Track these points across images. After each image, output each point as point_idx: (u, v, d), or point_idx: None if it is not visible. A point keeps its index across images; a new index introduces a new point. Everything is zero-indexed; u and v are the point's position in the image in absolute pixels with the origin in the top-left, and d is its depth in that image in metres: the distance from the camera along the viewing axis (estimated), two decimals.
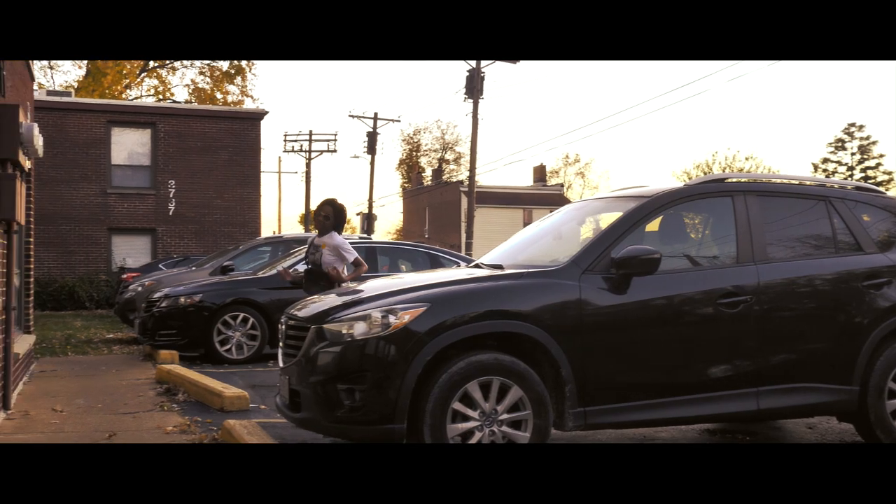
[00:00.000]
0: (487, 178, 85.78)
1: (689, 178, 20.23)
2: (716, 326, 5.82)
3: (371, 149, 45.35)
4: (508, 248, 6.92)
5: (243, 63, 42.28)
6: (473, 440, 5.23)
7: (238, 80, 42.94)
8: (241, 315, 12.03)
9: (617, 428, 5.88)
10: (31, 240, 11.39)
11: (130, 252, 26.50)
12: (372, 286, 6.16)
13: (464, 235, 35.37)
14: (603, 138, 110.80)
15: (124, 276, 20.51)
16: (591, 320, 5.51)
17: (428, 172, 70.30)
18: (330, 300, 5.96)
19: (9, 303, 7.86)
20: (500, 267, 6.11)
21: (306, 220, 51.16)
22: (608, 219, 6.21)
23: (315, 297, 6.53)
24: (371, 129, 45.55)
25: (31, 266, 11.31)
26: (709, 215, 6.46)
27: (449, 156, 76.83)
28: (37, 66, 40.91)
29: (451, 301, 5.43)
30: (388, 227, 78.72)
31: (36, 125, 8.21)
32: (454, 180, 61.70)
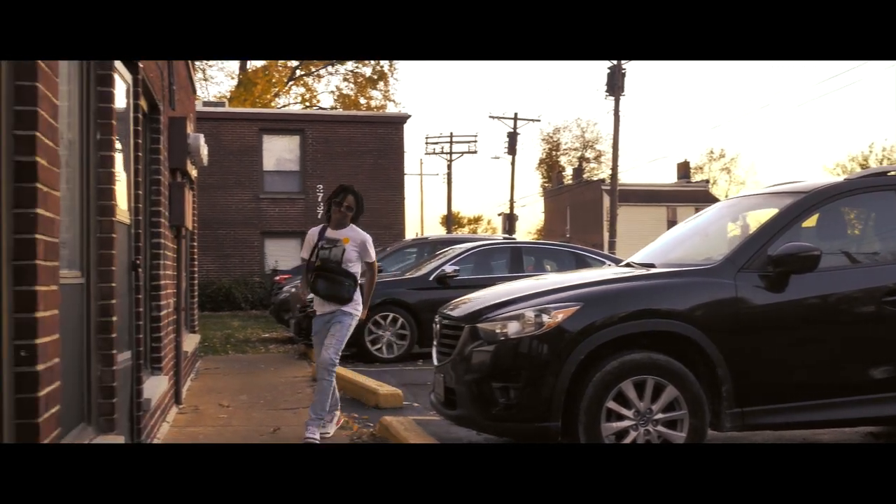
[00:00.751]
0: (629, 175, 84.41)
1: (846, 172, 19.41)
2: (879, 325, 5.62)
3: (511, 149, 45.46)
4: (659, 246, 6.87)
5: (385, 68, 43.15)
6: (628, 439, 5.24)
7: (380, 84, 43.82)
8: (391, 315, 12.33)
9: (775, 429, 5.76)
10: (196, 244, 12.03)
11: (282, 254, 27.43)
12: (523, 286, 6.24)
13: (606, 234, 35.00)
14: (749, 132, 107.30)
15: (277, 277, 21.31)
16: (747, 319, 5.42)
17: (568, 171, 69.84)
18: (482, 300, 6.08)
19: (179, 304, 8.34)
20: (651, 265, 6.08)
21: (448, 221, 51.80)
22: (761, 216, 6.08)
23: (468, 296, 6.65)
24: (511, 130, 45.66)
25: (196, 269, 11.95)
26: (870, 210, 6.24)
27: (589, 154, 76.05)
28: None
29: (604, 300, 5.45)
30: (529, 227, 78.63)
31: (202, 135, 8.69)
32: (595, 179, 61.09)
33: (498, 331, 5.50)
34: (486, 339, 5.54)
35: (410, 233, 49.66)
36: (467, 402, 5.59)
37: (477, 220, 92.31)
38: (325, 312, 6.71)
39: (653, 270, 5.86)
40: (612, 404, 5.23)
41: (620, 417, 5.25)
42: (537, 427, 5.28)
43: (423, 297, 12.32)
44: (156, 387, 6.27)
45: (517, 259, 13.24)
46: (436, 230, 78.01)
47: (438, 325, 6.25)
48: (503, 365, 5.42)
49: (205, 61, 43.19)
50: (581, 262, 13.12)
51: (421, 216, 60.01)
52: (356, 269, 6.71)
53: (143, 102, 6.51)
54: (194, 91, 12.00)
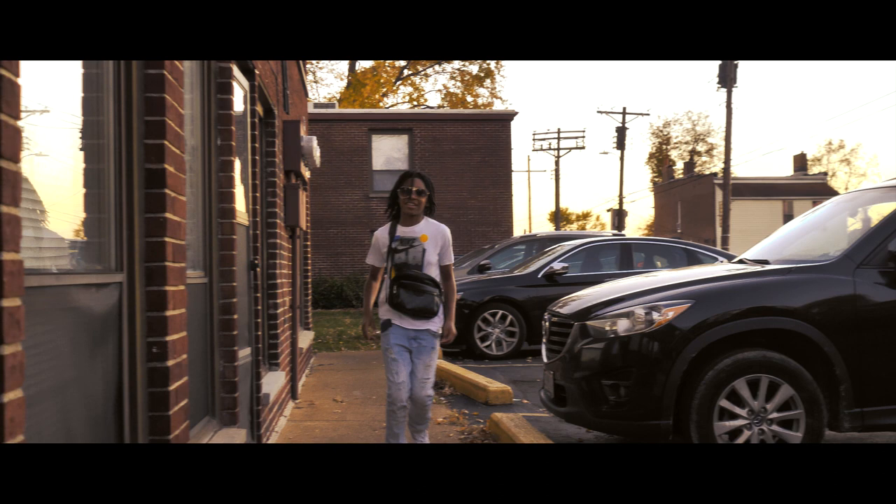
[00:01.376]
0: (743, 169, 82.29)
1: None
2: None
3: (620, 144, 44.91)
4: (773, 242, 6.72)
5: (492, 66, 43.23)
6: (741, 439, 5.17)
7: (487, 82, 43.92)
8: (500, 312, 12.39)
9: None
10: (309, 244, 12.34)
11: None
12: (633, 283, 6.21)
13: (719, 230, 34.20)
14: (870, 122, 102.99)
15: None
16: (867, 317, 5.27)
17: (679, 165, 68.53)
18: (592, 297, 6.07)
19: (294, 301, 8.60)
20: (765, 262, 5.97)
21: (556, 217, 51.52)
22: (884, 209, 5.89)
23: (577, 294, 6.65)
24: (620, 125, 45.12)
25: (310, 267, 12.26)
26: None
27: (700, 147, 74.48)
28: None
29: (716, 297, 5.38)
30: (638, 222, 77.54)
31: (314, 138, 8.92)
32: (707, 173, 59.76)
33: (608, 328, 5.49)
34: (596, 337, 5.54)
35: (518, 230, 49.60)
36: (577, 399, 5.60)
37: (586, 216, 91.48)
38: (410, 328, 5.30)
39: (767, 267, 5.75)
40: (724, 403, 5.16)
41: (733, 416, 5.17)
42: (648, 425, 5.26)
43: (532, 295, 12.34)
44: (274, 382, 6.49)
45: (627, 256, 13.12)
46: (544, 227, 77.72)
47: (548, 323, 6.27)
48: (613, 362, 5.42)
49: (315, 64, 44.12)
50: (692, 259, 12.91)
51: (529, 213, 59.74)
52: (437, 273, 5.37)
53: (258, 107, 6.75)
54: (306, 94, 12.31)
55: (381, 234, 5.46)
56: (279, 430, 6.85)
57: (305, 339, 10.48)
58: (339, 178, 27.99)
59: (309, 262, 12.35)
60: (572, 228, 80.00)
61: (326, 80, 45.52)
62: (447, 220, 28.20)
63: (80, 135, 2.79)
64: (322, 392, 9.05)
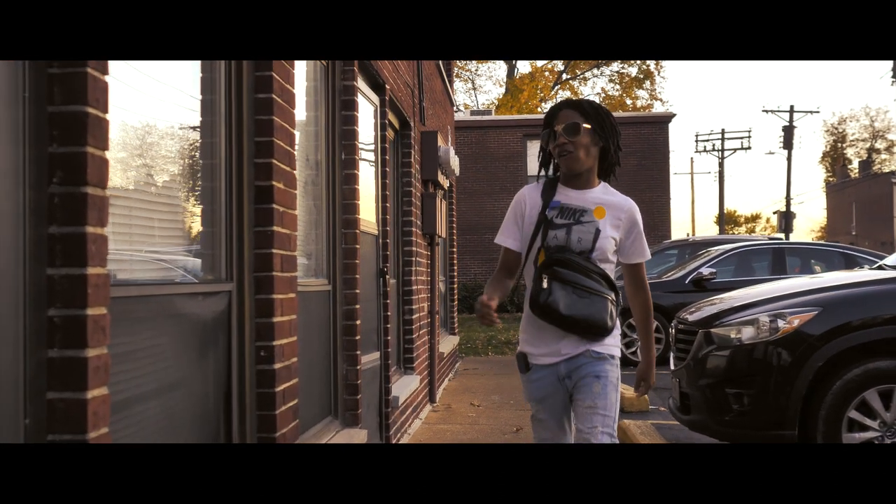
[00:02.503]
0: None
1: None
2: None
3: (787, 143, 43.18)
4: None
5: (651, 67, 42.53)
6: None
7: (647, 84, 43.25)
8: (656, 324, 12.24)
9: None
10: (454, 250, 12.60)
11: None
12: (764, 289, 6.08)
13: None
14: None
15: None
16: None
17: (855, 164, 65.18)
18: (719, 304, 5.99)
19: (433, 307, 8.84)
20: None
21: (721, 220, 50.06)
22: None
23: (706, 300, 6.56)
24: (787, 123, 43.40)
25: (455, 274, 12.52)
26: None
27: (880, 145, 70.56)
28: (462, 89, 44.60)
29: (845, 305, 5.22)
30: (810, 224, 74.22)
31: (452, 148, 9.16)
32: (885, 171, 56.58)
33: (732, 336, 5.42)
34: (720, 344, 5.47)
35: (678, 233, 48.44)
36: (701, 407, 5.55)
37: (755, 218, 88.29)
38: (560, 360, 3.32)
39: None
40: (853, 414, 5.00)
41: (864, 428, 5.00)
42: (772, 435, 5.15)
43: (679, 301, 12.10)
44: (406, 385, 6.72)
45: (780, 260, 12.70)
46: (709, 230, 75.56)
47: (675, 330, 6.23)
48: (737, 370, 5.34)
49: (473, 72, 44.68)
50: (851, 263, 12.35)
51: (692, 216, 58.18)
52: (611, 270, 3.36)
53: (393, 119, 7.02)
54: (452, 104, 12.58)
55: (531, 194, 3.39)
56: (412, 432, 7.08)
57: (448, 343, 10.71)
58: (495, 184, 28.26)
59: (455, 268, 12.60)
60: (740, 231, 77.41)
61: (485, 87, 46.00)
62: None
63: (198, 155, 3.07)
64: (461, 396, 9.25)
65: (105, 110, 1.96)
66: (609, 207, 3.29)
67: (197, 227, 3.10)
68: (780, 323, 5.21)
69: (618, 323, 3.29)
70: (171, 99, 2.85)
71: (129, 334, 2.33)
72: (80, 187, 1.86)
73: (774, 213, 48.44)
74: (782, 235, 37.34)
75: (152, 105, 2.70)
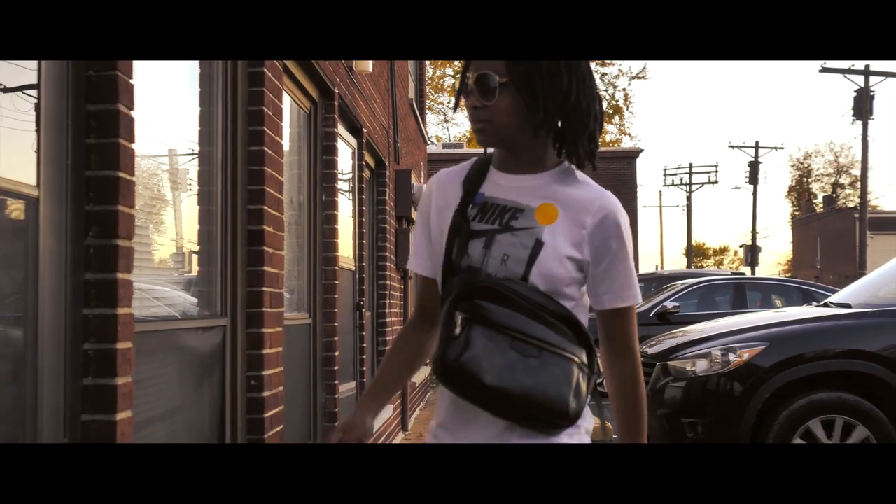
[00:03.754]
0: (889, 201, 78.82)
1: None
2: None
3: (753, 178, 44.08)
4: (863, 285, 6.84)
5: (620, 102, 43.35)
6: None
7: (616, 118, 44.04)
8: None
9: None
10: None
11: None
12: (719, 324, 6.47)
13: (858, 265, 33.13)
14: None
15: None
16: None
17: (819, 199, 66.42)
18: (678, 338, 6.37)
19: None
20: (847, 305, 6.13)
21: (689, 253, 50.82)
22: None
23: (668, 333, 6.94)
24: (752, 159, 44.33)
25: None
26: None
27: (844, 180, 71.97)
28: (434, 121, 45.11)
29: (791, 340, 5.60)
30: (776, 258, 75.27)
31: (424, 185, 9.50)
32: (848, 206, 57.74)
33: (688, 368, 5.78)
34: (676, 376, 5.83)
35: (647, 266, 49.10)
36: (658, 436, 5.89)
37: (723, 250, 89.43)
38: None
39: (847, 311, 5.92)
40: (798, 441, 5.37)
41: None
42: None
43: (644, 333, 12.45)
44: (380, 415, 7.01)
45: (741, 295, 13.15)
46: (678, 263, 76.51)
47: None
48: (692, 401, 5.69)
49: (446, 104, 45.20)
50: (809, 298, 12.82)
51: (661, 249, 58.96)
52: (581, 313, 1.83)
53: (369, 160, 7.37)
54: (424, 141, 12.97)
55: (444, 183, 1.96)
56: None
57: (420, 374, 11.01)
58: None
59: None
60: (708, 264, 78.38)
61: (457, 118, 46.62)
62: None
63: (196, 201, 3.40)
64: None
65: (132, 174, 2.29)
66: (566, 205, 1.78)
67: (195, 266, 3.42)
68: (732, 356, 5.58)
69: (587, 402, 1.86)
70: (175, 149, 3.18)
71: (141, 364, 2.64)
72: (112, 240, 2.18)
73: (741, 246, 49.30)
74: (748, 269, 38.05)
75: (156, 157, 3.03)
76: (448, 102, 47.26)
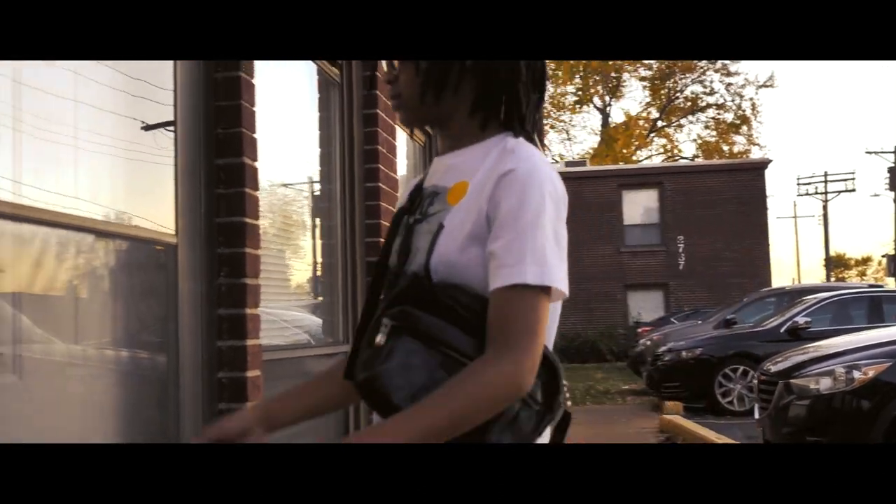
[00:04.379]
0: None
1: None
2: None
3: (893, 185, 42.24)
4: None
5: (748, 111, 42.35)
6: None
7: (744, 129, 43.04)
8: (741, 368, 12.39)
9: None
10: None
11: (645, 306, 27.92)
12: (845, 341, 6.36)
13: None
14: None
15: (639, 329, 21.90)
16: None
17: None
18: (803, 355, 6.29)
19: None
20: None
21: (828, 265, 49.04)
22: None
23: (795, 349, 6.85)
24: (892, 164, 42.48)
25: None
26: None
27: None
28: (556, 139, 45.13)
29: None
30: None
31: None
32: None
33: (811, 386, 5.72)
34: (800, 394, 5.77)
35: (783, 279, 47.54)
36: None
37: (866, 260, 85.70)
38: None
39: None
40: None
41: None
42: None
43: (773, 350, 12.17)
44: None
45: (877, 309, 12.71)
46: (816, 274, 73.69)
47: (758, 380, 6.53)
48: (817, 419, 5.62)
49: (567, 122, 45.16)
50: None
51: (797, 261, 57.16)
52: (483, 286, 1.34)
53: None
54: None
55: (406, 187, 1.62)
56: None
57: None
58: (591, 233, 28.57)
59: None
60: (850, 275, 75.29)
61: (579, 136, 46.56)
62: (701, 273, 27.93)
63: (318, 236, 3.66)
64: None
65: (256, 218, 2.54)
66: (477, 180, 1.43)
67: (319, 297, 3.68)
68: (856, 374, 5.49)
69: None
70: (301, 193, 3.45)
71: (270, 389, 2.88)
72: (241, 279, 2.43)
73: (883, 256, 47.19)
74: (892, 280, 36.39)
75: (287, 201, 3.30)
76: (570, 120, 47.31)
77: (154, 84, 2.31)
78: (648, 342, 16.61)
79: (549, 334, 1.41)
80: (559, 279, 1.34)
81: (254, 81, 2.56)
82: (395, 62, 1.49)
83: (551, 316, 1.41)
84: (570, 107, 43.88)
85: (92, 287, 2.05)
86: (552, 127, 43.75)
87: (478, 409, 1.26)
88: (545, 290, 1.32)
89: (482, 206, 1.34)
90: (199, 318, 2.36)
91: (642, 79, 43.16)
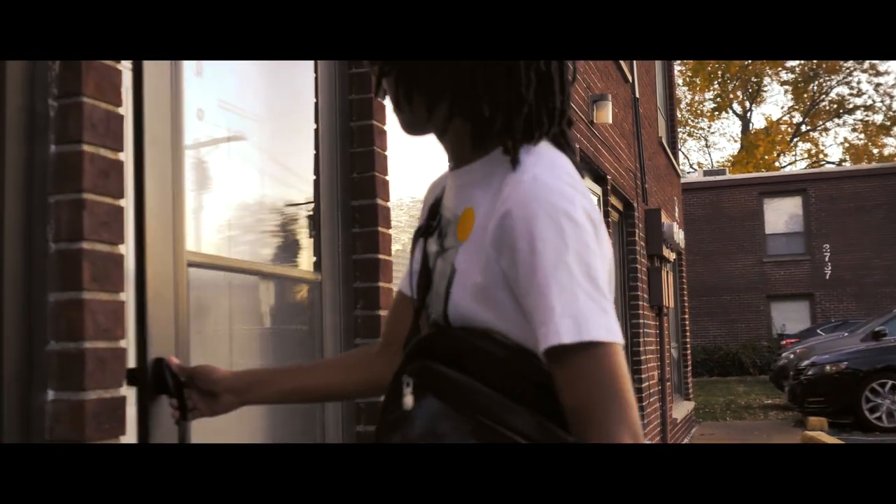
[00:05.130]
0: None
1: None
2: None
3: None
4: None
5: None
6: None
7: (894, 130, 41.13)
8: (891, 383, 11.95)
9: None
10: (686, 316, 12.89)
11: (789, 318, 27.07)
12: None
13: None
14: None
15: (784, 342, 21.28)
16: None
17: None
18: None
19: (663, 374, 9.27)
20: None
21: None
22: None
23: None
24: None
25: (688, 339, 12.80)
26: None
27: None
28: (695, 147, 44.19)
29: None
30: None
31: (675, 223, 9.64)
32: None
33: None
34: None
35: None
36: None
37: None
38: None
39: None
40: None
41: None
42: None
43: None
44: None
45: None
46: None
47: None
48: None
49: (706, 129, 44.25)
50: None
51: None
52: (506, 327, 1.13)
53: (616, 203, 7.66)
54: (677, 174, 13.00)
55: (427, 194, 1.43)
56: None
57: (682, 409, 11.02)
58: (731, 244, 27.95)
59: (687, 333, 12.88)
60: None
61: (719, 143, 45.55)
62: (849, 282, 26.87)
63: None
64: None
65: (389, 255, 2.78)
66: (481, 208, 1.21)
67: None
68: None
69: None
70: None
71: None
72: (375, 311, 2.67)
73: None
74: None
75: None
76: (708, 127, 46.30)
77: (298, 130, 2.60)
78: (791, 355, 16.16)
79: None
80: (598, 326, 1.05)
81: (385, 128, 2.81)
82: (384, 87, 1.29)
83: None
84: (709, 114, 42.99)
85: (257, 321, 2.34)
86: (690, 135, 42.97)
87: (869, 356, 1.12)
88: (598, 345, 1.04)
89: (489, 251, 1.12)
90: (339, 347, 2.61)
91: (784, 82, 41.87)
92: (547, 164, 1.14)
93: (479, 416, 1.08)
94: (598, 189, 6.78)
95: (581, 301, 1.05)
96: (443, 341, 1.16)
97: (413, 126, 1.28)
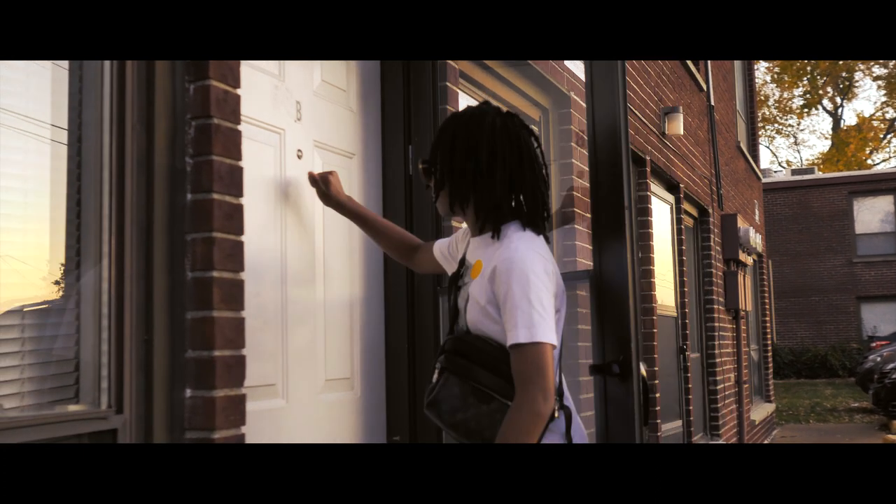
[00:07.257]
0: None
1: None
2: None
3: None
4: None
5: None
6: None
7: None
8: None
9: None
10: (767, 319, 12.91)
11: (881, 319, 26.49)
12: None
13: None
14: None
15: (873, 344, 20.91)
16: None
17: None
18: None
19: (740, 377, 9.40)
20: None
21: None
22: None
23: None
24: None
25: (769, 341, 12.82)
26: None
27: None
28: (783, 145, 43.37)
29: None
30: None
31: (751, 228, 9.74)
32: None
33: None
34: None
35: None
36: None
37: None
38: None
39: None
40: None
41: None
42: None
43: None
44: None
45: None
46: None
47: None
48: None
49: (795, 127, 43.36)
50: None
51: None
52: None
53: (690, 209, 7.86)
54: (758, 178, 13.01)
55: (458, 238, 2.39)
56: None
57: (761, 411, 11.09)
58: (819, 245, 27.48)
59: (768, 335, 12.89)
60: None
61: (808, 140, 44.64)
62: None
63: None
64: None
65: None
66: (487, 261, 2.06)
67: None
68: None
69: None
70: None
71: None
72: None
73: None
74: None
75: None
76: (798, 125, 45.35)
77: None
78: (878, 358, 15.96)
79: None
80: (542, 334, 1.89)
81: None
82: (421, 170, 2.21)
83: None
84: (797, 111, 42.15)
85: None
86: (778, 132, 42.18)
87: (528, 438, 1.85)
88: (537, 344, 1.88)
89: (488, 287, 2.00)
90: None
91: (877, 78, 40.77)
92: (525, 240, 2.02)
93: (472, 383, 2.00)
94: (670, 198, 7.00)
95: (534, 318, 1.89)
96: (459, 341, 2.06)
97: (447, 215, 2.20)
